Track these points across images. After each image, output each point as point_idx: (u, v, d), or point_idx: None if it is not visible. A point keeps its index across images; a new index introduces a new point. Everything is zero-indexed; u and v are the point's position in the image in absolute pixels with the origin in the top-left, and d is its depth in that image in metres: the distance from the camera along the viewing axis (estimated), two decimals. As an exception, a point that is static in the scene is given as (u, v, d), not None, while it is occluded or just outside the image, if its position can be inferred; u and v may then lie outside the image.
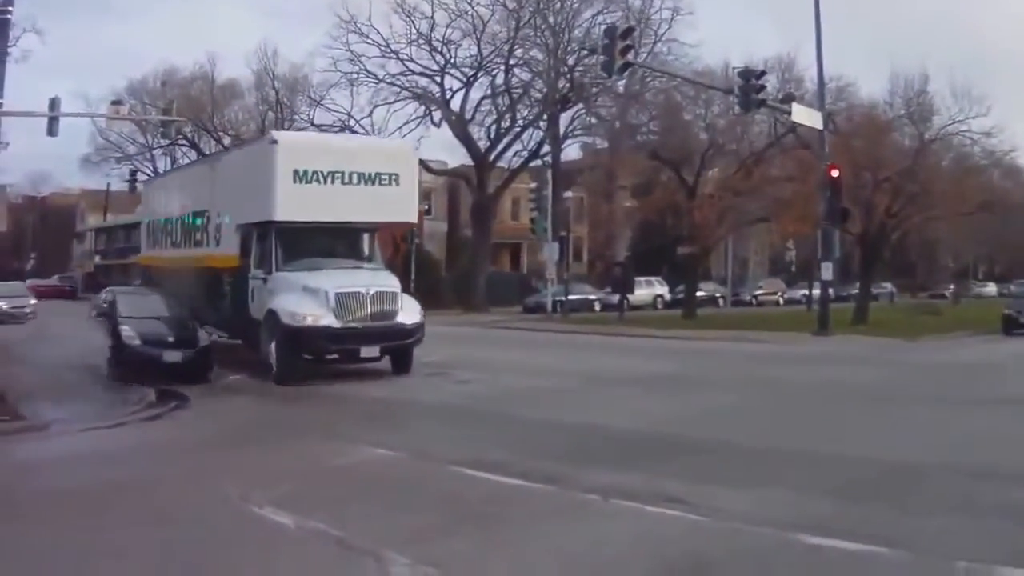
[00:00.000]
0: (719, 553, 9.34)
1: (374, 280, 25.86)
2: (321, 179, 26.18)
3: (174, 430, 18.58)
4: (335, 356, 25.62)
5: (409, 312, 26.07)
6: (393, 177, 27.44)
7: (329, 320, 24.51)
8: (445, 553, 9.45)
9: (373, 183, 27.00)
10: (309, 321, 24.46)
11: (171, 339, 25.43)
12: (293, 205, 25.73)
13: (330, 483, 13.23)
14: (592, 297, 74.02)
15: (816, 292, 50.79)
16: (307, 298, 24.92)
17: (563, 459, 14.22)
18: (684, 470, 13.29)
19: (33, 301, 53.33)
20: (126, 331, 25.36)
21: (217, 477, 13.49)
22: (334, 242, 27.58)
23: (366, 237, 28.38)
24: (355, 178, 26.74)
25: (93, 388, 22.99)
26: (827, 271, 43.50)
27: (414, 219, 31.48)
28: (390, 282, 26.25)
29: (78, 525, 10.88)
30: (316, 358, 25.46)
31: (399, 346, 25.80)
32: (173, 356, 24.93)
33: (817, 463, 13.82)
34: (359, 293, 25.04)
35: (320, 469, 14.20)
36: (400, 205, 28.05)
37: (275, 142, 26.88)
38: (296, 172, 25.89)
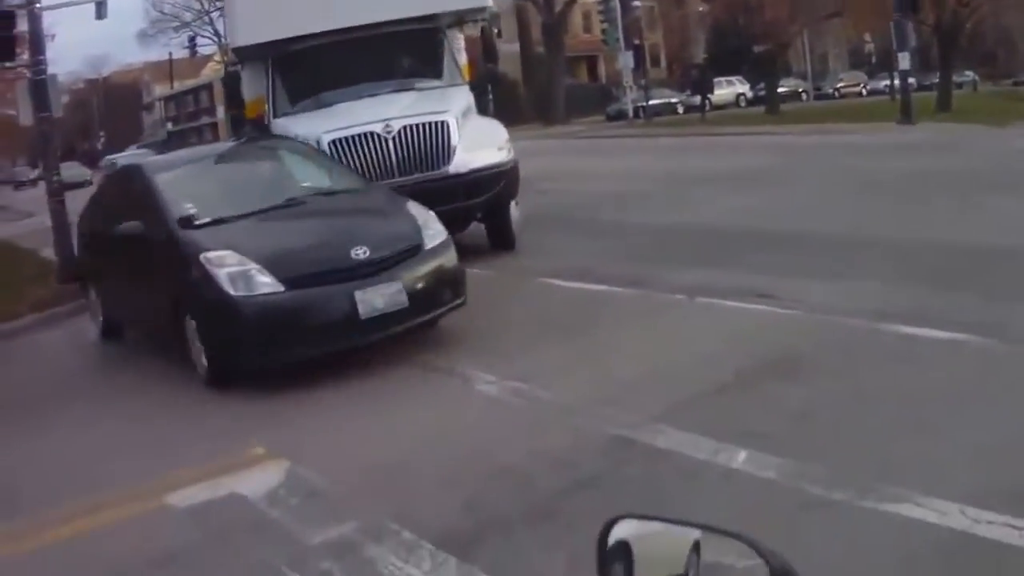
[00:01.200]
0: (808, 345, 9.29)
1: (413, 107, 16.01)
2: None
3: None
4: None
5: (474, 151, 15.75)
6: None
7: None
8: (531, 366, 9.46)
9: None
10: None
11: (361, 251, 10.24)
12: (268, 17, 16.76)
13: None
14: (673, 100, 74.04)
15: (898, 82, 49.91)
16: None
17: (648, 261, 14.17)
18: (770, 265, 13.08)
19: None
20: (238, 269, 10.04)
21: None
22: (365, 60, 17.25)
23: (423, 41, 17.90)
24: None
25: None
26: (904, 60, 43.03)
27: (487, 1, 19.05)
28: (437, 106, 15.97)
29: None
30: None
31: (459, 210, 15.02)
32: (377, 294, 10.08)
33: (905, 252, 13.46)
34: (369, 135, 15.33)
35: None
36: None
37: None
38: None
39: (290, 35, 16.83)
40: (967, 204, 17.55)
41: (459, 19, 18.78)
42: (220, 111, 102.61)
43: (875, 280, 11.79)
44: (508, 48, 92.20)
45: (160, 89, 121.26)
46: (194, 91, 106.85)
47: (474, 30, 20.65)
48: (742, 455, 6.68)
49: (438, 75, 17.58)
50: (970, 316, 9.64)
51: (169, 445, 8.73)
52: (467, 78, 18.03)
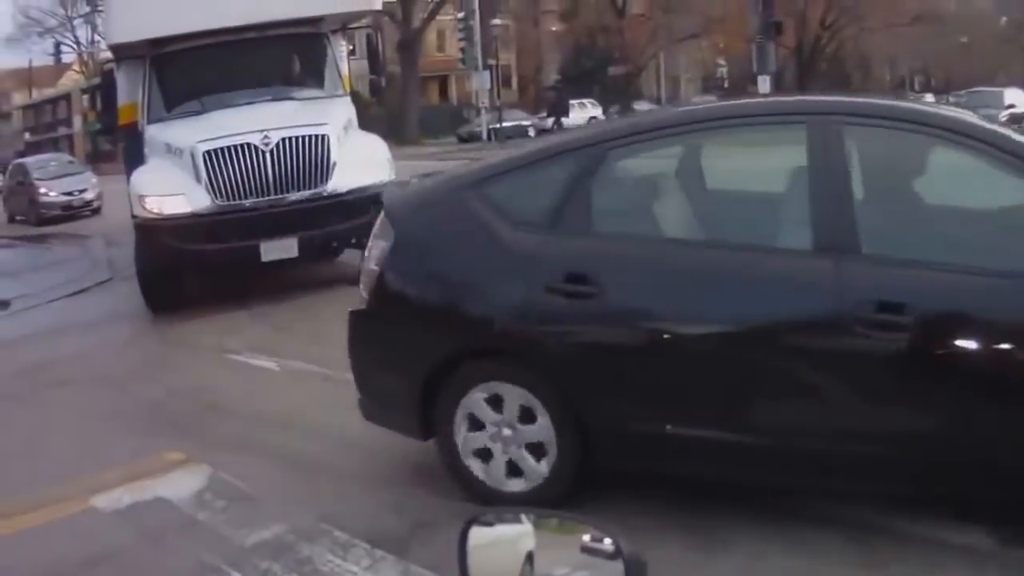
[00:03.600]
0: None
1: (292, 118, 14.99)
2: None
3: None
4: (216, 262, 14.75)
5: (354, 169, 14.70)
6: None
7: (197, 200, 14.17)
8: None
9: None
10: (161, 207, 14.37)
11: None
12: (146, 13, 15.33)
13: (304, 322, 13.30)
14: (526, 123, 74.34)
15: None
16: (165, 166, 14.93)
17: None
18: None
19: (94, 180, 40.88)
20: None
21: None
22: (246, 64, 16.34)
23: (307, 46, 17.06)
24: None
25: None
26: (764, 84, 43.90)
27: (375, 3, 18.53)
28: (317, 117, 15.06)
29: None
30: (187, 268, 14.96)
31: (335, 234, 14.64)
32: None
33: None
34: (247, 147, 14.23)
35: (292, 310, 14.14)
36: None
37: None
38: None
39: (167, 33, 15.64)
40: None
41: (344, 23, 17.99)
42: (77, 122, 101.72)
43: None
44: (358, 65, 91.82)
45: (20, 97, 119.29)
46: (52, 101, 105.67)
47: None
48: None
49: (320, 84, 16.73)
50: None
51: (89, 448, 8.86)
52: (348, 88, 17.36)
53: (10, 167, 43.97)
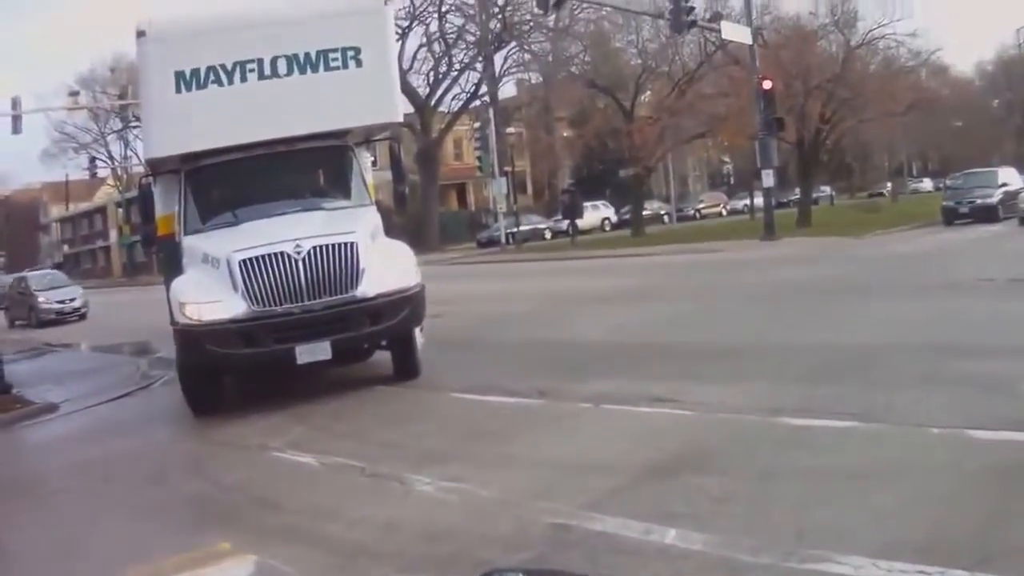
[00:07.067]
0: (713, 441, 10.19)
1: (322, 227, 15.63)
2: (224, 77, 16.37)
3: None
4: (254, 365, 15.62)
5: (382, 274, 15.37)
6: (352, 53, 16.83)
7: (234, 307, 14.82)
8: (463, 470, 10.15)
9: (317, 68, 16.70)
10: (200, 314, 15.01)
11: None
12: (180, 129, 16.25)
13: (341, 420, 13.82)
14: (542, 226, 75.84)
15: (757, 201, 51.95)
16: (203, 275, 15.54)
17: (550, 375, 14.95)
18: (664, 373, 14.09)
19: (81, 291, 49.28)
20: None
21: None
22: (276, 177, 17.27)
23: (333, 159, 17.75)
24: (284, 66, 16.56)
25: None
26: (768, 178, 45.36)
27: (397, 116, 18.61)
28: (346, 226, 15.60)
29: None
30: (226, 371, 16.00)
31: (366, 337, 15.56)
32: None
33: (787, 354, 14.76)
34: (280, 255, 14.88)
35: (328, 409, 14.64)
36: (369, 95, 17.05)
37: (142, 33, 16.45)
38: (180, 75, 16.26)
39: (202, 148, 16.47)
40: (833, 308, 19.55)
41: (368, 135, 18.74)
42: (113, 235, 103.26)
43: (763, 380, 12.91)
44: (380, 175, 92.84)
45: (57, 210, 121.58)
46: (88, 214, 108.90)
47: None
48: (671, 533, 7.46)
49: (347, 194, 17.35)
50: (853, 406, 10.79)
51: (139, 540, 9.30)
52: (374, 198, 17.88)
53: (12, 280, 52.12)
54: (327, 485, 10.58)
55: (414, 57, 75.05)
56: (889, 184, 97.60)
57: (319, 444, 12.36)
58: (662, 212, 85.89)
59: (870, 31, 58.96)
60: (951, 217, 46.71)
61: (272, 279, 14.78)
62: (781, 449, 9.63)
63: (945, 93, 76.14)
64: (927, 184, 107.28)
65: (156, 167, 18.02)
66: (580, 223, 66.32)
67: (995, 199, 46.62)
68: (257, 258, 14.81)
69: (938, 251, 32.84)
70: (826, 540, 6.92)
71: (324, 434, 13.07)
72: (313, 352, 14.74)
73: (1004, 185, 47.55)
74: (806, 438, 9.90)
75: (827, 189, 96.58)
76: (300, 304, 14.79)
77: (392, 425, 12.78)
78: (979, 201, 46.65)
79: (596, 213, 79.14)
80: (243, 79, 16.32)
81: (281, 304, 14.77)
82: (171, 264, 17.20)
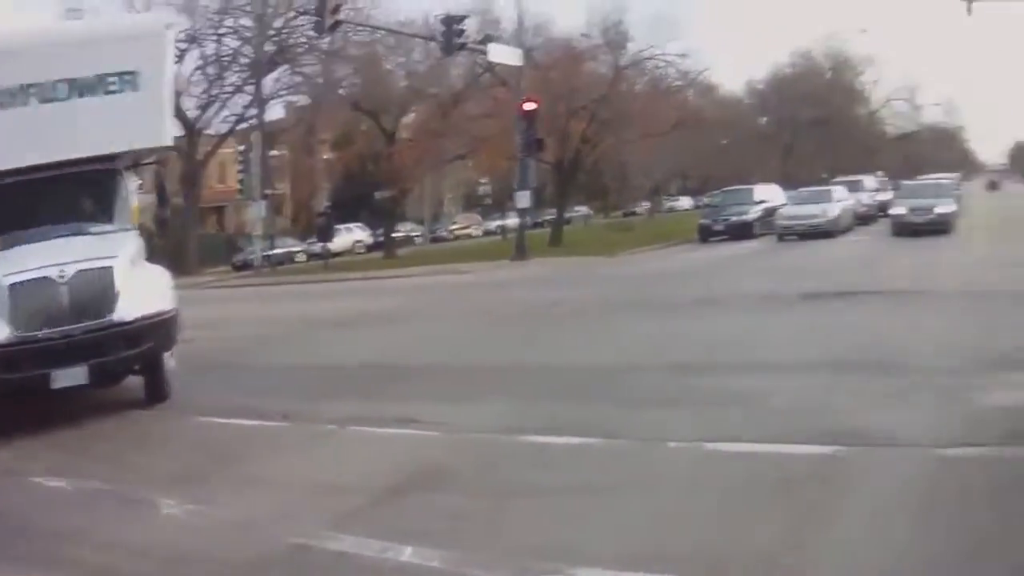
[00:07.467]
0: (453, 460, 10.26)
1: (85, 252, 15.37)
2: (6, 100, 16.13)
3: None
4: (11, 391, 14.60)
5: (138, 298, 15.27)
6: (128, 78, 16.72)
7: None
8: (203, 492, 10.00)
9: (94, 92, 16.48)
10: None
11: None
12: None
13: (96, 444, 13.46)
14: (295, 249, 75.58)
15: (510, 222, 52.76)
16: None
17: (298, 397, 14.88)
18: (410, 394, 14.19)
19: None
20: None
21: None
22: (47, 201, 16.74)
23: (103, 183, 17.36)
24: (61, 90, 16.30)
25: None
26: (523, 199, 46.09)
27: (168, 140, 18.69)
28: (107, 251, 15.54)
29: None
30: None
31: (121, 361, 15.26)
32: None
33: (530, 375, 15.05)
34: (44, 279, 14.72)
35: (84, 433, 14.22)
36: (142, 119, 16.93)
37: None
38: None
39: None
40: (580, 328, 19.96)
41: (137, 159, 18.51)
42: None
43: (506, 400, 13.09)
44: (146, 199, 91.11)
45: None
46: None
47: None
48: (408, 550, 7.52)
49: (111, 219, 17.05)
50: (595, 423, 11.09)
51: None
52: (137, 221, 17.79)
53: None
54: (79, 509, 10.17)
55: (189, 80, 73.68)
56: (647, 203, 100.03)
57: (73, 468, 11.91)
58: (414, 234, 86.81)
59: (640, 52, 60.78)
60: (706, 235, 48.45)
61: (37, 304, 14.55)
62: (521, 467, 9.77)
63: (710, 112, 78.56)
64: (684, 202, 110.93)
65: None
66: (332, 246, 66.27)
67: (751, 216, 48.38)
68: (24, 282, 14.55)
69: (689, 269, 34.13)
70: (562, 554, 7.04)
71: (79, 458, 12.60)
72: (69, 377, 14.46)
73: (762, 202, 49.27)
74: (547, 455, 10.06)
75: (583, 208, 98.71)
76: (61, 329, 14.52)
77: (143, 448, 12.55)
78: (734, 218, 48.47)
79: (349, 235, 79.49)
80: (20, 102, 16.06)
81: (43, 329, 14.47)
82: None
